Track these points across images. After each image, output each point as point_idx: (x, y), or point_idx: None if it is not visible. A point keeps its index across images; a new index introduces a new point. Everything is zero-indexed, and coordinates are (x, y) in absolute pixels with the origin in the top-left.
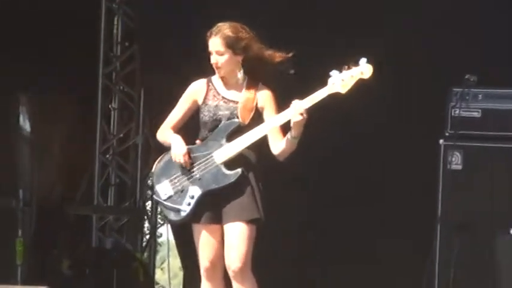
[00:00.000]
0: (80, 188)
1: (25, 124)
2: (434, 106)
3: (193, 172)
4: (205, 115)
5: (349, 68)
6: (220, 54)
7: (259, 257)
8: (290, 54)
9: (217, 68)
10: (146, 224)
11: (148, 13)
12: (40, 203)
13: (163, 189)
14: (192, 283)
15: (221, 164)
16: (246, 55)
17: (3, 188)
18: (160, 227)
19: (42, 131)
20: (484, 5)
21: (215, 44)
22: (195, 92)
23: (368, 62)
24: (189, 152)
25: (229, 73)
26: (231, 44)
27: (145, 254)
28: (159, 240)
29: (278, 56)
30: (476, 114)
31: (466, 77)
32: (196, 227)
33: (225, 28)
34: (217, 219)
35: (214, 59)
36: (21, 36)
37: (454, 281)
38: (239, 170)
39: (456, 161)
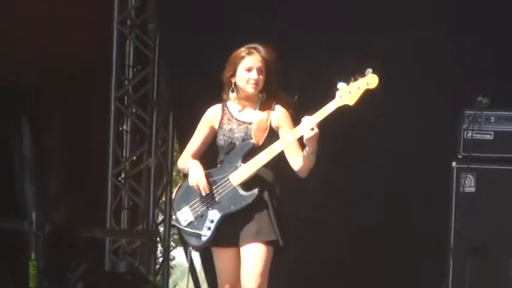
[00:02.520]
0: (77, 210)
1: (27, 147)
2: (447, 128)
3: (211, 196)
4: (221, 139)
5: (355, 79)
6: (260, 71)
7: (274, 279)
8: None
9: (256, 84)
10: (159, 247)
11: (166, 32)
12: (52, 226)
13: (184, 215)
14: None
15: (238, 185)
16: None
17: (15, 212)
18: (173, 249)
19: (47, 153)
20: (496, 26)
21: (257, 60)
22: (211, 117)
23: (374, 72)
24: (207, 177)
25: (255, 95)
26: (268, 65)
27: (159, 277)
28: (172, 263)
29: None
30: (488, 137)
31: (479, 99)
32: (215, 250)
33: (263, 49)
34: (235, 242)
35: (255, 74)
36: (30, 54)
37: None
38: (255, 191)
39: (469, 184)
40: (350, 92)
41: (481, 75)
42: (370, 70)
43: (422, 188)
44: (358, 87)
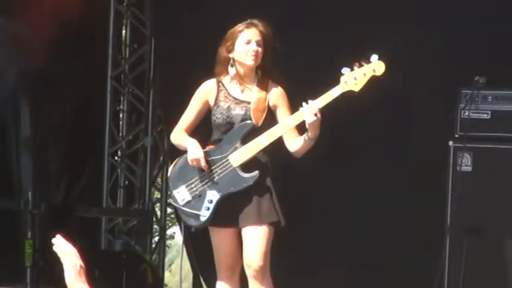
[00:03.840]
0: (74, 189)
1: (26, 126)
2: (443, 108)
3: (210, 176)
4: (218, 117)
5: (360, 65)
6: (259, 44)
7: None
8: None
9: (255, 55)
10: (155, 226)
11: (161, 12)
12: (48, 205)
13: (181, 194)
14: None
15: (237, 167)
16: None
17: (12, 191)
18: (169, 229)
19: (46, 132)
20: (493, 5)
21: (255, 33)
22: (206, 92)
23: (379, 58)
24: (206, 157)
25: (253, 71)
26: (265, 40)
27: (154, 256)
28: (168, 242)
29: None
30: (485, 116)
31: (476, 78)
32: (213, 230)
33: (262, 23)
34: (235, 223)
35: (254, 46)
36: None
37: (464, 284)
38: (256, 173)
39: (466, 163)
40: (355, 78)
41: (478, 55)
42: (376, 56)
43: (418, 167)
44: (364, 74)
